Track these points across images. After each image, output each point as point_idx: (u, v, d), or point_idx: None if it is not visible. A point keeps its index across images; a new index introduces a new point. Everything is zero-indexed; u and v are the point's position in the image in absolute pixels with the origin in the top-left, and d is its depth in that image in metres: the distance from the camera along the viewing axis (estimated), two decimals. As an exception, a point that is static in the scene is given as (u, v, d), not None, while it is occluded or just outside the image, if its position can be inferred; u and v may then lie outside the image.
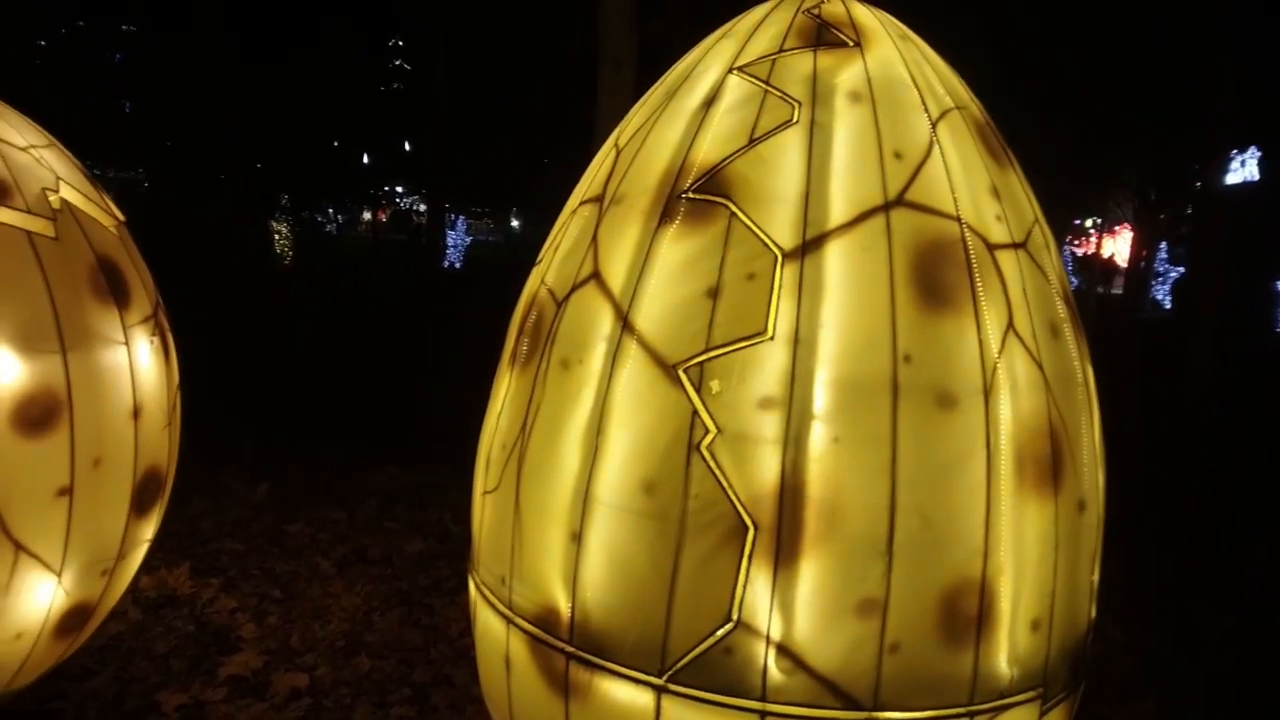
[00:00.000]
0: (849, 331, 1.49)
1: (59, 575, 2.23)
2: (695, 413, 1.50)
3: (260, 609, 3.40)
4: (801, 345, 1.48)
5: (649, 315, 1.57)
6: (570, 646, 1.63)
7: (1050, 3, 10.79)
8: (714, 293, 1.53)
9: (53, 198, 2.25)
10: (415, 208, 34.72)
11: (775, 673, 1.48)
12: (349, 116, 18.77)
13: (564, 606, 1.63)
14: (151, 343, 2.44)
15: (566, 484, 1.62)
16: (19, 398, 2.05)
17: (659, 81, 1.90)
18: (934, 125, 1.63)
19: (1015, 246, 1.62)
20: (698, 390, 1.50)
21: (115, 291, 2.33)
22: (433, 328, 10.24)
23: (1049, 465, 1.56)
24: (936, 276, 1.52)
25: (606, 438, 1.57)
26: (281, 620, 3.31)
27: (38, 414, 2.09)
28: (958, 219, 1.56)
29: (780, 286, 1.51)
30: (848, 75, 1.65)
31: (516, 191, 21.61)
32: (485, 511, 1.86)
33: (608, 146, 1.89)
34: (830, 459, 1.46)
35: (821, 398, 1.47)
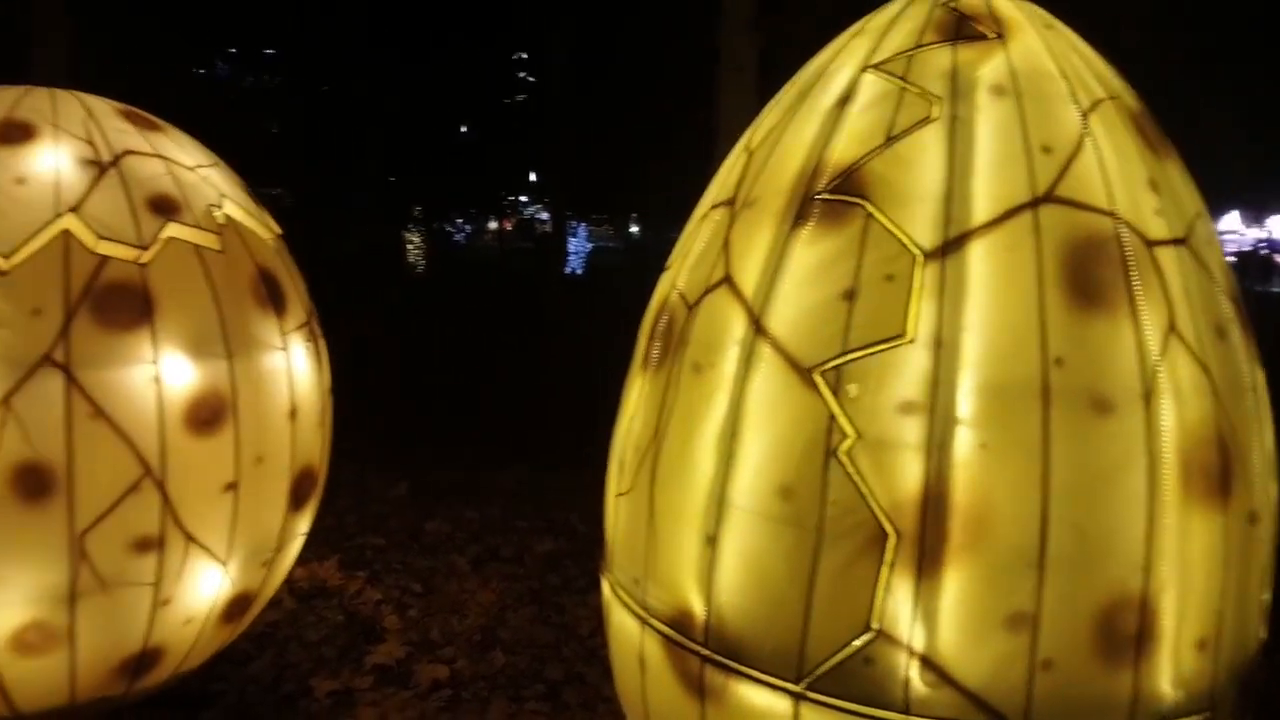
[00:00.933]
0: (995, 333, 1.43)
1: (225, 565, 2.38)
2: (833, 417, 1.46)
3: (402, 602, 3.54)
4: (944, 348, 1.43)
5: (783, 318, 1.55)
6: (705, 649, 1.62)
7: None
8: (851, 295, 1.50)
9: (218, 213, 2.41)
10: (538, 216, 35.55)
11: (919, 685, 1.44)
12: (476, 128, 19.39)
13: (699, 609, 1.62)
14: (306, 348, 2.58)
15: (701, 487, 1.61)
16: (190, 400, 2.21)
17: (790, 82, 1.88)
18: (1085, 117, 1.55)
19: (1176, 243, 1.53)
20: (835, 394, 1.47)
21: (274, 300, 2.47)
22: (556, 332, 10.43)
23: (1217, 475, 1.46)
24: (1089, 275, 1.45)
25: (741, 442, 1.56)
26: (422, 613, 3.45)
27: (207, 415, 2.24)
28: (1112, 214, 1.49)
29: (921, 288, 1.46)
30: (990, 68, 1.59)
31: (635, 198, 21.79)
32: (619, 513, 1.87)
33: (739, 149, 1.87)
34: (977, 466, 1.41)
35: (966, 402, 1.42)
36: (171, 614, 2.30)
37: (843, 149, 1.61)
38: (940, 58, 1.61)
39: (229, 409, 2.29)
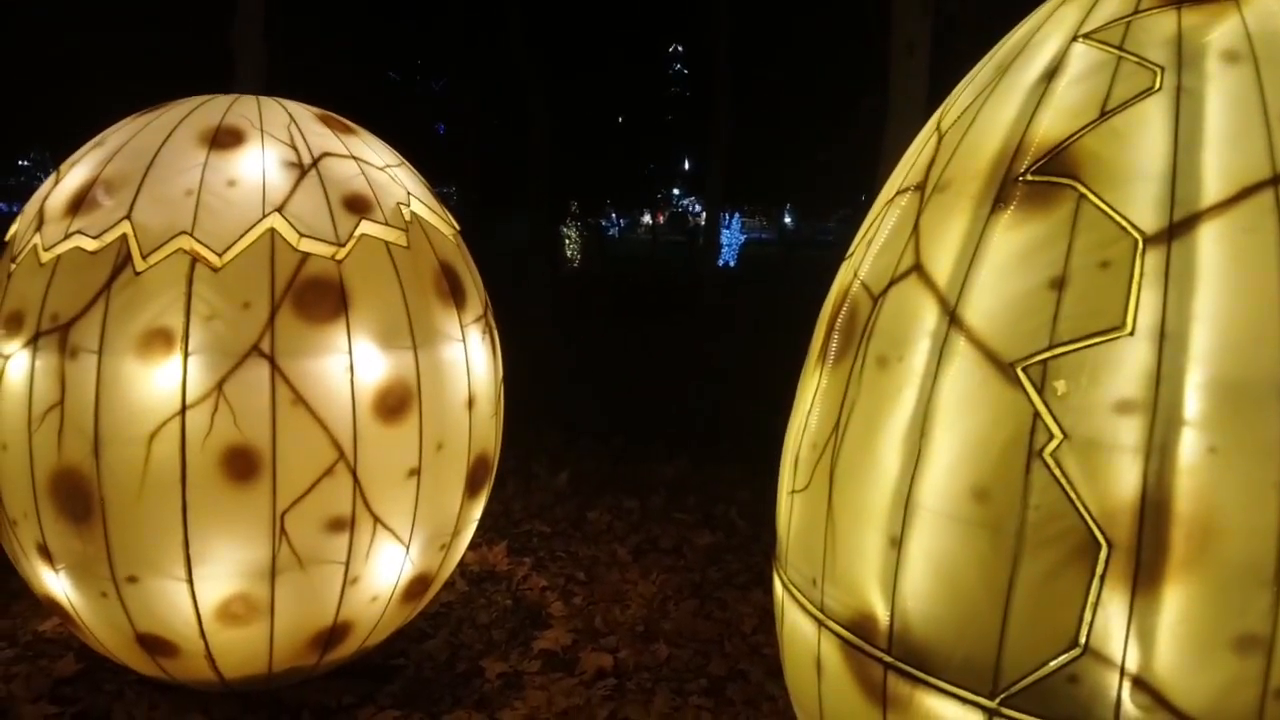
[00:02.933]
0: (1230, 325, 1.30)
1: (407, 547, 2.49)
2: (1037, 416, 1.36)
3: (567, 589, 3.62)
4: (1169, 341, 1.31)
5: (980, 309, 1.46)
6: (889, 656, 1.56)
7: None
8: (1059, 283, 1.39)
9: (405, 211, 2.52)
10: (691, 209, 35.66)
11: (1130, 708, 1.33)
12: (634, 124, 19.65)
13: (881, 614, 1.56)
14: (483, 339, 2.67)
15: (885, 487, 1.54)
16: (380, 388, 2.32)
17: (987, 57, 1.76)
18: None
19: None
20: (1039, 391, 1.37)
21: (454, 293, 2.57)
22: (711, 324, 10.41)
23: None
24: None
25: (931, 440, 1.48)
26: (585, 601, 3.51)
27: (394, 403, 2.35)
28: None
29: (1142, 275, 1.34)
30: (1221, 33, 1.44)
31: (791, 188, 21.48)
32: (794, 510, 1.83)
33: (928, 131, 1.78)
34: (1204, 471, 1.29)
35: (1194, 401, 1.30)
36: (359, 591, 2.44)
37: (1049, 125, 1.49)
38: (1163, 23, 1.47)
39: (414, 397, 2.39)
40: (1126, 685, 1.33)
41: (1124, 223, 1.37)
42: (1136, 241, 1.35)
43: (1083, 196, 1.43)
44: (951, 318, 1.49)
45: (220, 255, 2.22)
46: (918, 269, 1.57)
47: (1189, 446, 1.29)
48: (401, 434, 2.38)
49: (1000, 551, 1.40)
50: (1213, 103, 1.39)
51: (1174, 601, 1.30)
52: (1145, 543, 1.31)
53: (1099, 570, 1.33)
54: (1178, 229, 1.34)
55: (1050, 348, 1.37)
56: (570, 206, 20.57)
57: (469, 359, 2.57)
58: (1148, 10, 1.52)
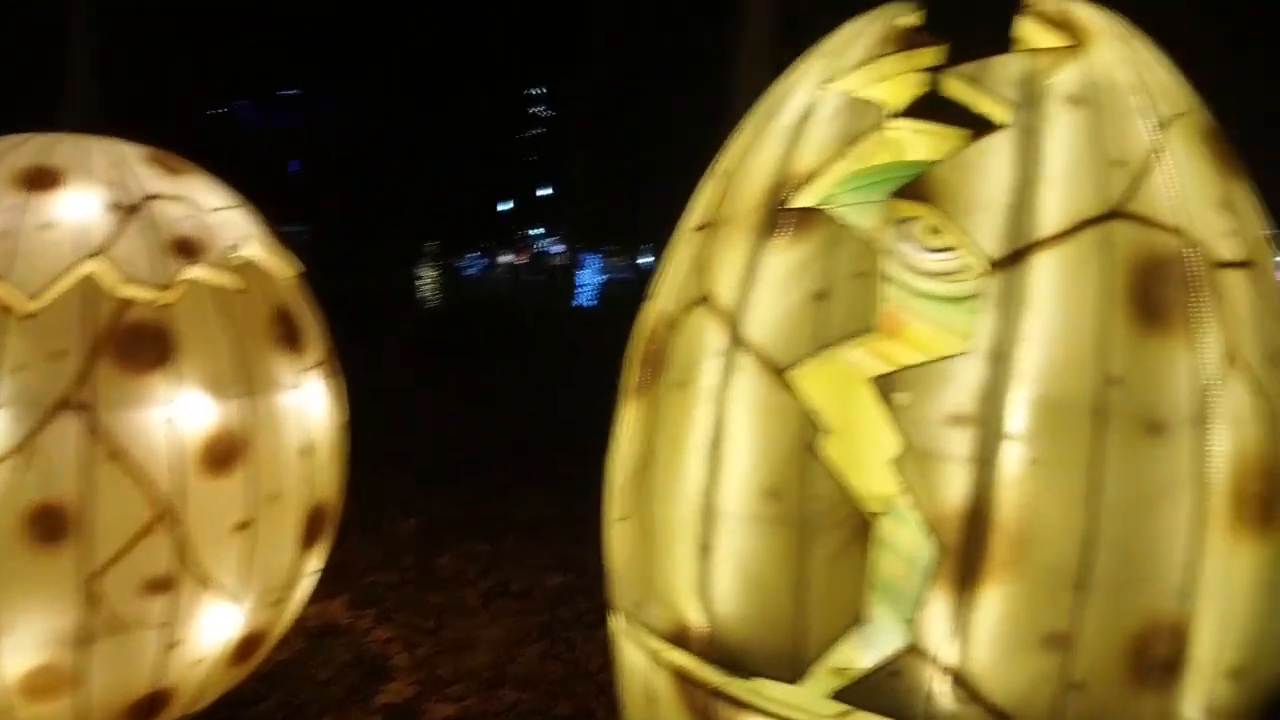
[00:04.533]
0: (1055, 348, 1.45)
1: (236, 605, 2.41)
2: (809, 414, 1.55)
3: (412, 640, 3.58)
4: (1002, 361, 1.46)
5: (759, 325, 1.64)
6: (713, 676, 1.68)
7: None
8: (823, 295, 1.58)
9: (238, 254, 2.47)
10: (551, 249, 35.82)
11: (945, 700, 1.47)
12: (494, 163, 19.70)
13: (697, 619, 1.69)
14: (322, 385, 2.63)
15: (691, 499, 1.70)
16: (207, 439, 2.26)
17: (756, 107, 1.97)
18: (1159, 131, 1.57)
19: (1241, 265, 1.55)
20: (886, 401, 1.51)
21: (291, 338, 2.53)
22: (568, 365, 10.47)
23: (1268, 505, 1.48)
24: (1155, 295, 1.47)
25: (726, 449, 1.64)
26: (431, 651, 3.48)
27: (222, 454, 2.29)
28: (1181, 233, 1.50)
29: (982, 297, 1.49)
30: (1065, 77, 1.61)
31: (647, 228, 21.98)
32: (618, 540, 1.96)
33: (716, 175, 1.97)
34: (1025, 482, 1.43)
35: (1020, 417, 1.44)
36: (182, 655, 2.35)
37: (805, 160, 1.70)
38: (1014, 65, 1.64)
39: (244, 447, 2.34)
40: (945, 680, 1.46)
41: (972, 248, 1.52)
42: (981, 266, 1.51)
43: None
44: (736, 337, 1.65)
45: (31, 301, 2.11)
46: (706, 298, 1.74)
47: (1012, 459, 1.44)
48: (230, 486, 2.32)
49: (791, 543, 1.57)
50: (1053, 141, 1.55)
51: (992, 602, 1.44)
52: (971, 547, 1.44)
53: (929, 573, 1.47)
54: (1017, 256, 1.49)
55: (818, 351, 1.56)
56: (428, 246, 20.31)
57: (307, 405, 2.53)
58: (884, 56, 1.74)
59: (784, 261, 1.63)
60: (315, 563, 2.77)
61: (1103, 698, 1.43)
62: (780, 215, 1.66)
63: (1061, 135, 1.55)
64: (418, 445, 6.56)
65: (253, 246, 2.57)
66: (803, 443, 1.55)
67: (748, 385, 1.61)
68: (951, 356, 1.50)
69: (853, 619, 1.53)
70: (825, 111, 1.72)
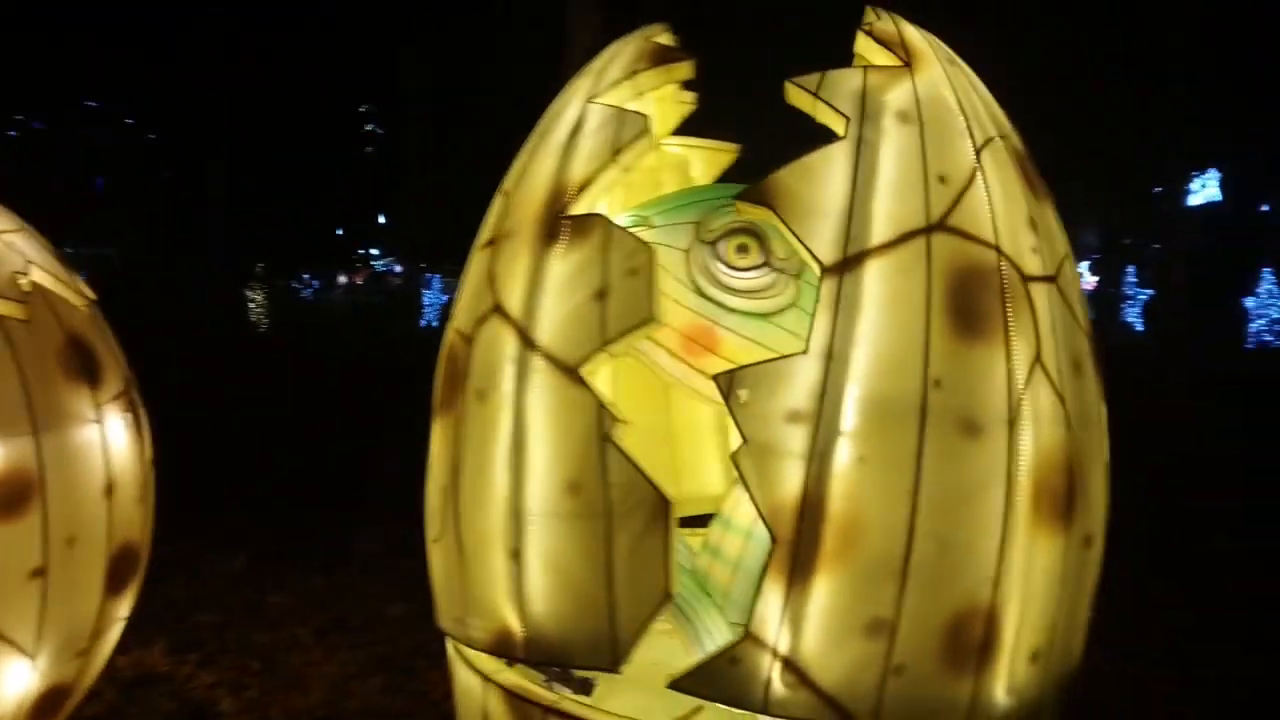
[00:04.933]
0: (882, 351, 1.54)
1: (33, 658, 2.22)
2: (602, 406, 1.63)
3: (239, 682, 3.40)
4: (834, 361, 1.54)
5: (547, 329, 1.71)
6: (547, 699, 1.78)
7: (1003, 32, 11.09)
8: (602, 294, 1.66)
9: (23, 281, 2.29)
10: (391, 269, 34.91)
11: (779, 686, 1.54)
12: (326, 183, 19.02)
13: (515, 625, 1.74)
14: (124, 419, 2.47)
15: (499, 506, 1.73)
16: (-9, 482, 2.07)
17: (534, 129, 2.03)
18: (978, 152, 1.67)
19: (1048, 280, 1.68)
20: (726, 398, 1.56)
21: (86, 370, 2.36)
22: (410, 388, 10.20)
23: (1064, 500, 1.62)
24: (972, 304, 1.57)
25: (527, 452, 1.69)
26: (261, 693, 3.32)
27: (10, 496, 2.10)
28: (996, 248, 1.61)
29: (818, 301, 1.56)
30: (896, 94, 1.69)
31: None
32: (436, 560, 1.97)
33: (498, 195, 2.01)
34: (854, 477, 1.52)
35: (851, 415, 1.53)
36: (-30, 717, 2.13)
37: (576, 170, 1.79)
38: (852, 80, 1.70)
39: (36, 489, 2.15)
40: (778, 666, 1.54)
41: (808, 252, 1.59)
42: (816, 270, 1.58)
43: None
44: (527, 341, 1.72)
45: None
46: (497, 308, 1.80)
47: (843, 454, 1.52)
48: (21, 531, 2.13)
49: (596, 532, 1.63)
50: (886, 155, 1.63)
51: (822, 591, 1.52)
52: (803, 538, 1.52)
53: (766, 563, 1.54)
54: (850, 263, 1.57)
55: (602, 346, 1.64)
56: (255, 268, 19.35)
57: (106, 441, 2.37)
58: (641, 72, 1.86)
59: (565, 266, 1.72)
60: (125, 608, 2.59)
61: (921, 680, 1.54)
62: (558, 224, 1.74)
63: (892, 150, 1.63)
64: (247, 478, 6.24)
65: (39, 273, 2.39)
66: (598, 434, 1.62)
67: (542, 386, 1.68)
68: (790, 356, 1.57)
69: (661, 597, 1.61)
70: (592, 124, 1.82)
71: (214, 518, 5.18)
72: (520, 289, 1.75)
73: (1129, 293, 24.72)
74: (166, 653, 3.57)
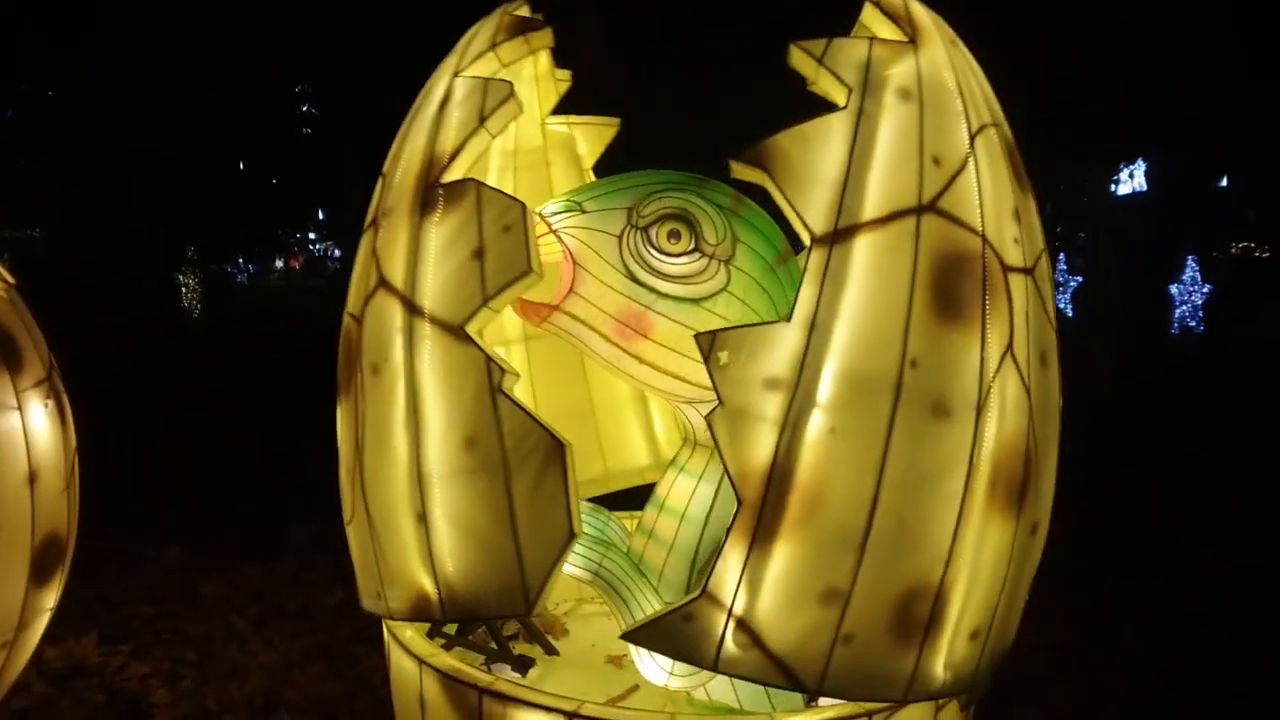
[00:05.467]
0: (864, 326, 1.54)
1: (-48, 651, 2.17)
2: (489, 359, 1.67)
3: (174, 673, 3.36)
4: (816, 332, 1.54)
5: (430, 294, 1.73)
6: (483, 681, 1.74)
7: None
8: (479, 253, 1.69)
9: (-66, 265, 2.22)
10: (330, 254, 34.23)
11: (731, 646, 1.57)
12: (258, 165, 18.54)
13: (429, 587, 1.76)
14: (46, 406, 2.41)
15: (401, 474, 1.75)
16: (-96, 472, 2.01)
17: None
18: (972, 138, 1.66)
19: (1025, 271, 1.69)
20: (706, 359, 1.55)
21: (6, 356, 2.30)
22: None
23: (1018, 487, 1.65)
24: (954, 289, 1.58)
25: (423, 416, 1.72)
26: (196, 683, 3.28)
27: (-74, 485, 2.04)
28: (982, 235, 1.61)
29: (805, 270, 1.55)
30: (899, 70, 1.67)
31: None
32: (353, 541, 1.98)
33: (379, 178, 2.03)
34: (824, 448, 1.53)
35: (827, 387, 1.53)
36: (-113, 714, 2.07)
37: (445, 140, 1.82)
38: (857, 50, 1.68)
39: (-48, 478, 2.10)
40: (731, 625, 1.56)
41: (801, 220, 1.58)
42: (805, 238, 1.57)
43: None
44: (413, 309, 1.75)
45: None
46: (382, 282, 1.83)
47: (815, 425, 1.53)
48: (-62, 521, 2.07)
49: (496, 483, 1.67)
50: (884, 130, 1.62)
51: (781, 556, 1.54)
52: (768, 504, 1.53)
53: (729, 525, 1.55)
54: (840, 235, 1.56)
55: (484, 302, 1.68)
56: (187, 252, 18.81)
57: (28, 429, 2.31)
58: (503, 42, 1.92)
59: (442, 232, 1.75)
60: (51, 600, 2.53)
61: (868, 651, 1.57)
62: (433, 193, 1.77)
63: (891, 126, 1.61)
64: (180, 467, 6.10)
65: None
66: (489, 389, 1.66)
67: (431, 350, 1.72)
68: (773, 323, 1.57)
69: (565, 538, 1.65)
70: (459, 96, 1.85)
71: (146, 508, 5.09)
72: (402, 261, 1.78)
73: (1059, 280, 25.42)
74: (98, 644, 3.51)
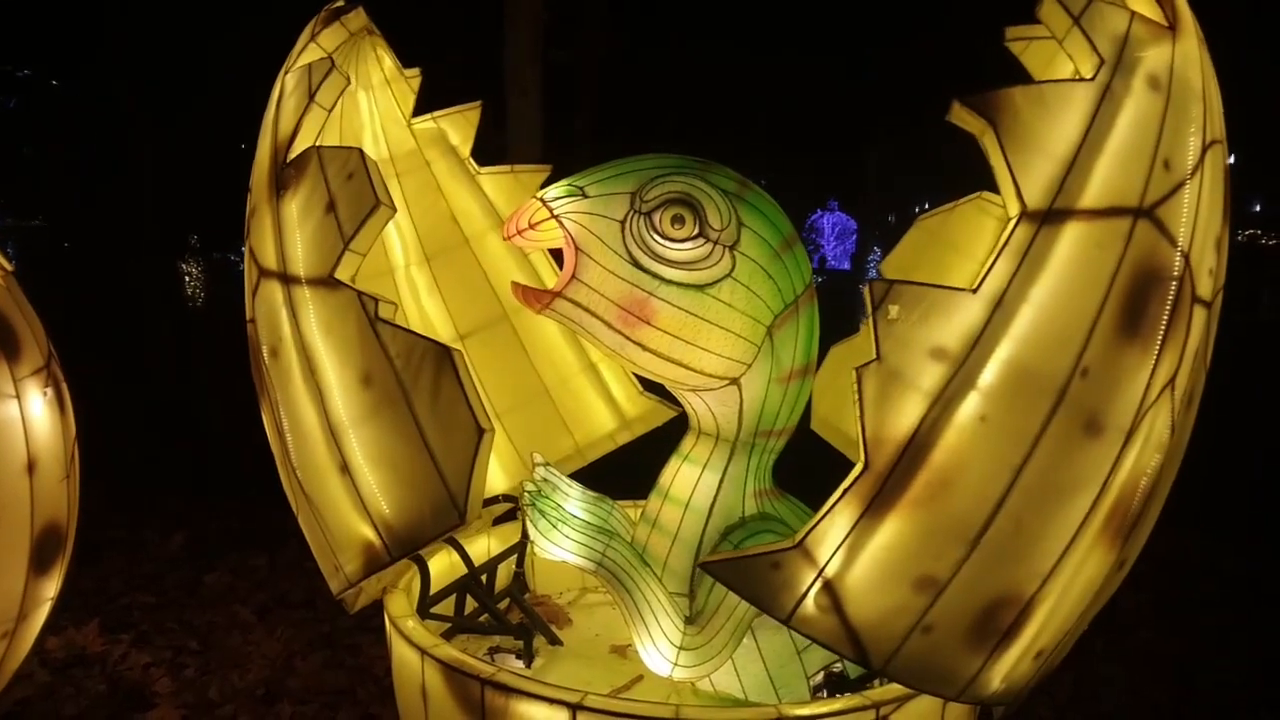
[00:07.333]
0: (1049, 319, 1.44)
1: (-47, 641, 2.15)
2: (361, 295, 1.69)
3: (176, 662, 3.31)
4: (1000, 310, 1.43)
5: (299, 259, 1.80)
6: (485, 672, 1.70)
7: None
8: (331, 205, 1.75)
9: (-69, 251, 2.19)
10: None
11: (811, 605, 1.51)
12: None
13: (371, 535, 1.77)
14: (44, 395, 2.39)
15: (316, 435, 1.79)
16: (-98, 460, 1.99)
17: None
18: (1204, 150, 1.53)
19: (1206, 305, 1.58)
20: (875, 308, 1.45)
21: (3, 344, 2.27)
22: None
23: (1130, 523, 1.58)
24: (1144, 305, 1.47)
25: (320, 373, 1.76)
26: (199, 672, 3.24)
27: (-77, 474, 2.02)
28: (1185, 256, 1.49)
29: (1006, 243, 1.44)
30: (1153, 55, 1.51)
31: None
32: (305, 530, 2.01)
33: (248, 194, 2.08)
34: (969, 434, 1.44)
35: (992, 372, 1.43)
36: (-112, 701, 2.05)
37: (286, 125, 1.89)
38: (1117, 20, 1.52)
39: (-50, 467, 2.07)
40: (818, 585, 1.50)
41: (1015, 185, 1.44)
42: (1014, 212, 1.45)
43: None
44: (289, 281, 1.81)
45: None
46: (261, 272, 1.90)
47: (968, 408, 1.44)
48: (-63, 510, 2.05)
49: (399, 407, 1.69)
50: (1125, 115, 1.47)
51: (889, 530, 1.47)
52: (895, 474, 1.45)
53: (845, 484, 1.47)
54: (1052, 216, 1.44)
55: (345, 247, 1.72)
56: (190, 240, 18.78)
57: (27, 417, 2.28)
58: (320, 32, 2.02)
59: (298, 202, 1.82)
60: (52, 589, 2.51)
61: (942, 645, 1.51)
62: (283, 172, 1.85)
63: (1133, 113, 1.47)
64: (184, 457, 6.09)
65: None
66: (368, 323, 1.69)
67: (310, 309, 1.77)
68: (956, 289, 1.45)
69: (475, 435, 1.64)
70: (290, 85, 1.94)
71: (150, 498, 5.04)
72: (271, 243, 1.85)
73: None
74: (100, 633, 3.46)
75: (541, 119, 6.58)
